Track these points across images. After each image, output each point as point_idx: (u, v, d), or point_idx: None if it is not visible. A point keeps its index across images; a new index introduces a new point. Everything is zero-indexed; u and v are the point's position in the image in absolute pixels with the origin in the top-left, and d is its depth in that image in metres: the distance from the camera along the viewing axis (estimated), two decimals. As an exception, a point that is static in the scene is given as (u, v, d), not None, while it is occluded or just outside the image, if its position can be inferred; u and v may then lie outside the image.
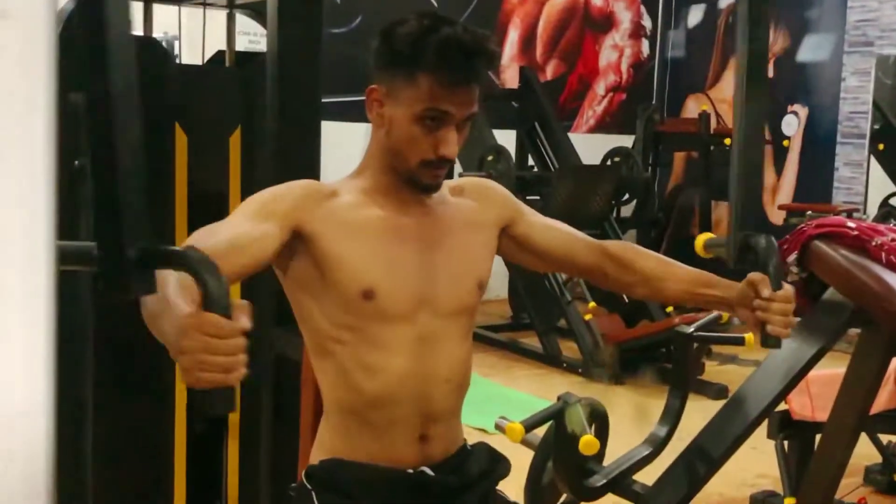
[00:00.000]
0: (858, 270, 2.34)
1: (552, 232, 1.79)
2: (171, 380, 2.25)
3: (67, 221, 2.17)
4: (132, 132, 1.22)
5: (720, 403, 5.28)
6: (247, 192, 2.24)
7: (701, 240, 2.18)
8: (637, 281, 1.82)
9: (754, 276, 1.73)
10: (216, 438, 2.31)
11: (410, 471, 1.61)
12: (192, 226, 2.22)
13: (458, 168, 6.06)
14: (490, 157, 5.66)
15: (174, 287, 1.24)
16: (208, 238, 1.43)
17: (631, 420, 4.65)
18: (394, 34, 1.53)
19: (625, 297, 5.91)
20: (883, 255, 2.38)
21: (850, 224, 2.46)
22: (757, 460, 3.56)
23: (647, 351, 5.27)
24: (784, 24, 7.08)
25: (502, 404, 4.83)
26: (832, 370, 2.90)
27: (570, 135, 7.06)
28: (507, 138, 6.39)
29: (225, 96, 2.24)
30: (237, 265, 1.44)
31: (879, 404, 3.15)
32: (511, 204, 1.77)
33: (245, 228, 1.48)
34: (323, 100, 2.30)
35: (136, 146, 1.22)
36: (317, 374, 1.64)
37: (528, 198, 5.88)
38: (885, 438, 3.68)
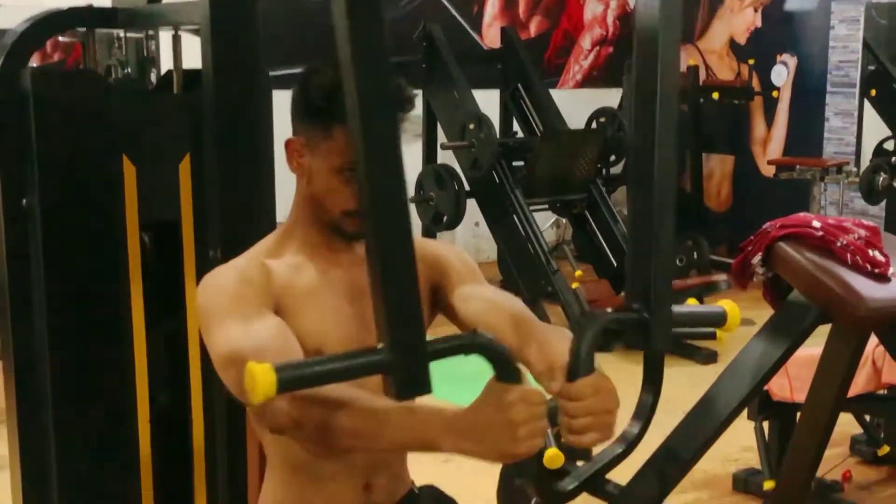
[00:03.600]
0: (823, 274, 2.31)
1: (474, 309, 1.63)
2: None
3: (17, 261, 2.16)
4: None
5: (708, 368, 5.28)
6: (199, 219, 2.21)
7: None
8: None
9: (557, 362, 1.42)
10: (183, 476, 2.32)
11: None
12: (146, 258, 2.20)
13: (440, 138, 6.00)
14: (472, 126, 5.59)
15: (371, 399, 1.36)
16: (272, 348, 1.43)
17: (621, 389, 4.65)
18: (309, 86, 1.52)
19: (612, 261, 5.89)
20: (848, 255, 2.35)
21: (816, 223, 2.42)
22: (742, 433, 3.56)
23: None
24: (771, -28, 6.96)
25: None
26: (809, 350, 2.88)
27: (557, 91, 6.97)
28: (491, 98, 6.31)
29: (172, 122, 2.20)
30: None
31: (858, 387, 3.14)
32: (440, 266, 1.69)
33: (276, 323, 1.49)
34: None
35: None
36: (259, 431, 1.63)
37: (513, 164, 5.82)
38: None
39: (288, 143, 1.57)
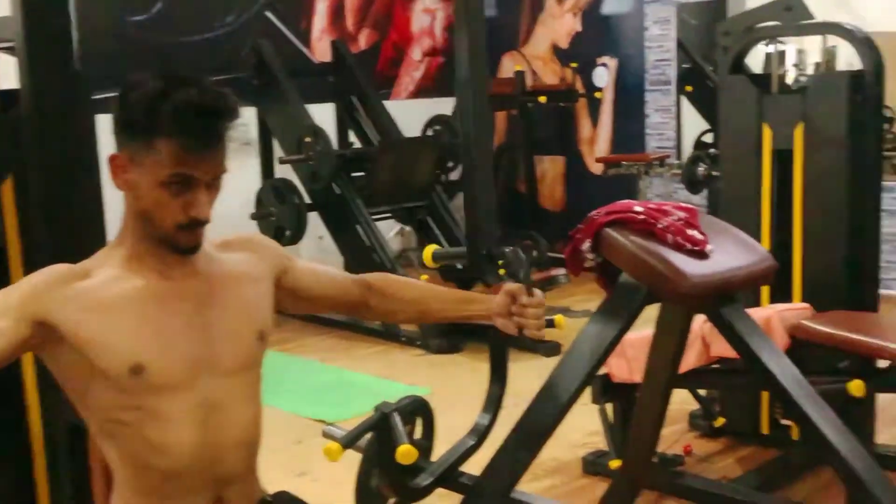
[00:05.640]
0: (647, 255, 2.43)
1: (321, 277, 1.83)
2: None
3: None
4: None
5: (553, 360, 5.42)
6: (27, 245, 2.14)
7: (428, 252, 2.20)
8: (400, 308, 1.90)
9: (510, 286, 1.88)
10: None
11: None
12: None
13: (277, 153, 5.97)
14: (308, 139, 5.59)
15: None
16: None
17: (473, 387, 4.72)
18: (127, 100, 1.50)
19: (458, 263, 5.99)
20: (669, 236, 2.48)
21: (637, 208, 2.55)
22: (588, 418, 3.69)
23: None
24: (586, -22, 7.24)
25: (344, 390, 4.82)
26: (647, 332, 3.01)
27: (391, 102, 7.04)
28: (326, 111, 6.33)
29: (-11, 146, 2.12)
30: None
31: (689, 363, 3.31)
32: (280, 256, 1.77)
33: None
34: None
35: None
36: (104, 453, 1.60)
37: (352, 175, 5.85)
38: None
39: (111, 160, 1.54)
